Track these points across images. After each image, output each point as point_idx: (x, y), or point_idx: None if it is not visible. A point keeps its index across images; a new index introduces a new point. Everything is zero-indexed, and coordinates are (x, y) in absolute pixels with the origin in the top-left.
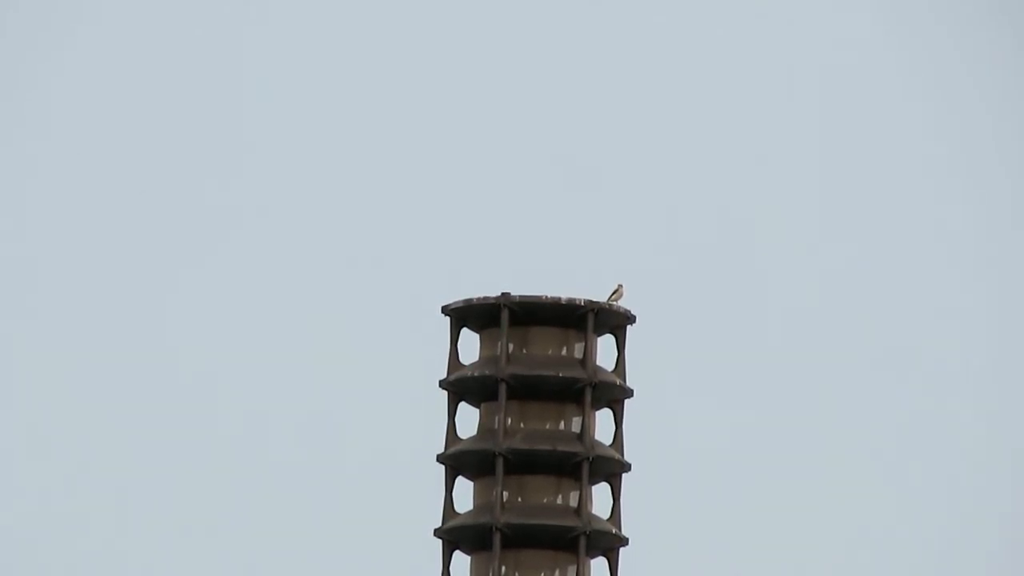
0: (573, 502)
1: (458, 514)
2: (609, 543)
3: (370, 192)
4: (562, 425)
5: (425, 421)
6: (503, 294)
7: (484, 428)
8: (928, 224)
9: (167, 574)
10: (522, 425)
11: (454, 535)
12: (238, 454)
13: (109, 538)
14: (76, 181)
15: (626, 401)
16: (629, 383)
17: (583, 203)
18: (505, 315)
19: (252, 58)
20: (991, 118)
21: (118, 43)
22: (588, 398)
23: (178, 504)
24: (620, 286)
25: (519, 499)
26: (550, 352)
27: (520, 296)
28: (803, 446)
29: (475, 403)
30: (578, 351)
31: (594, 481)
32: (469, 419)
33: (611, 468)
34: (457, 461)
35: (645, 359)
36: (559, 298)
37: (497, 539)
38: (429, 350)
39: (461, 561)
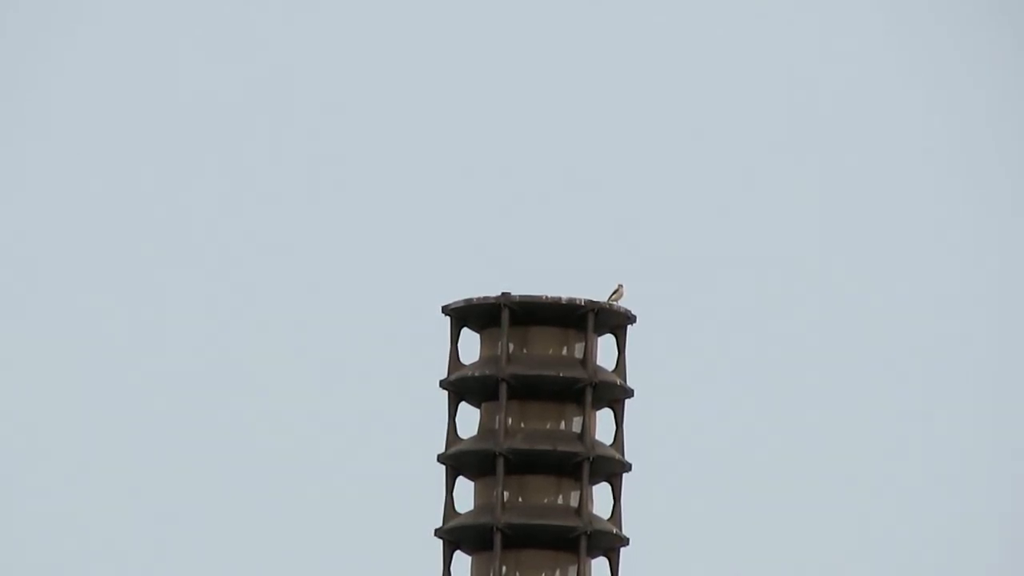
0: (574, 502)
1: (459, 514)
2: (609, 543)
3: (370, 192)
4: (562, 425)
5: (425, 421)
6: (503, 294)
7: (484, 428)
8: (928, 223)
9: (167, 573)
10: (522, 425)
11: (455, 535)
12: (238, 454)
13: (109, 538)
14: (76, 181)
15: (626, 401)
16: (629, 383)
17: (583, 203)
18: (505, 315)
19: (252, 58)
20: (991, 118)
21: (118, 43)
22: (588, 398)
23: (178, 504)
24: (620, 286)
25: (520, 499)
26: (550, 352)
27: (520, 296)
28: (803, 446)
29: (475, 403)
30: (578, 351)
31: (594, 481)
32: (469, 419)
33: (611, 468)
34: (458, 461)
35: (645, 359)
36: (559, 298)
37: (498, 539)
38: (429, 350)
39: (462, 561)
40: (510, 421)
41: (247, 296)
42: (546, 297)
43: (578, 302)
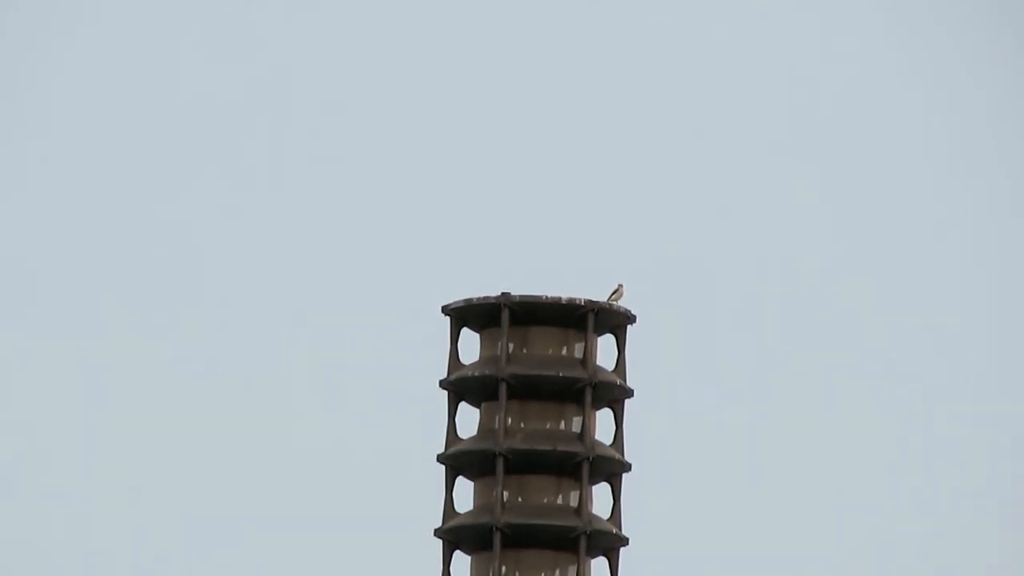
0: (573, 502)
1: (458, 514)
2: (609, 543)
3: (370, 192)
4: (562, 425)
5: (425, 421)
6: (503, 294)
7: (484, 428)
8: (928, 223)
9: (168, 573)
10: (522, 425)
11: (454, 535)
12: (238, 454)
13: (109, 539)
14: (76, 181)
15: (626, 401)
16: (629, 383)
17: (583, 203)
18: (505, 315)
19: (252, 58)
20: (991, 118)
21: (118, 43)
22: (588, 398)
23: (177, 504)
24: (620, 286)
25: (519, 499)
26: (550, 352)
27: (520, 296)
28: (803, 446)
29: (475, 403)
30: (578, 351)
31: (594, 481)
32: (469, 419)
33: (611, 468)
34: (457, 461)
35: (645, 359)
36: (559, 298)
37: (497, 539)
38: (429, 350)
39: (461, 561)
40: (510, 421)
41: (247, 296)
42: (546, 297)
43: (578, 302)
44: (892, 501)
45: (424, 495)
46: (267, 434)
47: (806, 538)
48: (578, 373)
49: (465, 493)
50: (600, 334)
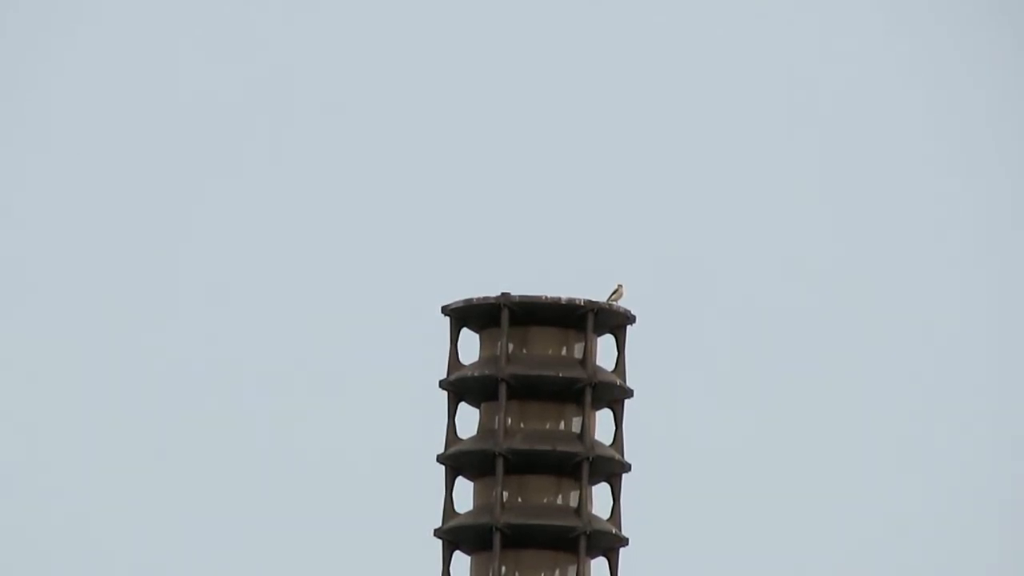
0: (573, 502)
1: (458, 514)
2: (609, 543)
3: (370, 192)
4: (562, 425)
5: (425, 421)
6: (503, 294)
7: (484, 428)
8: (928, 223)
9: (168, 573)
10: (522, 425)
11: (454, 535)
12: (238, 454)
13: (109, 539)
14: (76, 181)
15: (626, 401)
16: (629, 383)
17: (583, 203)
18: (505, 315)
19: (252, 58)
20: (991, 118)
21: (118, 43)
22: (588, 398)
23: (177, 504)
24: (620, 286)
25: (519, 499)
26: (550, 352)
27: (520, 296)
28: (803, 446)
29: (475, 403)
30: (578, 351)
31: (594, 481)
32: (469, 419)
33: (611, 468)
34: (457, 461)
35: (645, 359)
36: (559, 298)
37: (497, 539)
38: (429, 350)
39: (461, 561)
40: (509, 421)
41: (247, 296)
42: (546, 297)
43: (578, 302)
44: (892, 501)
45: (424, 495)
46: (267, 434)
47: (806, 538)
48: (578, 373)
49: (465, 493)
50: (600, 334)
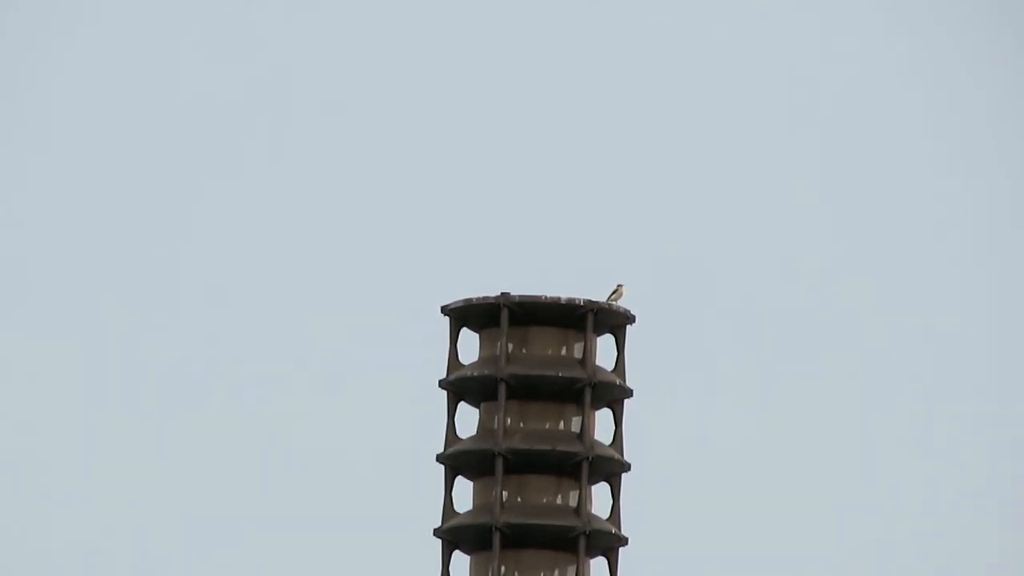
0: (573, 502)
1: (458, 514)
2: (609, 543)
3: (370, 192)
4: (562, 425)
5: (425, 421)
6: (503, 294)
7: (484, 428)
8: (928, 223)
9: (168, 573)
10: (522, 425)
11: (454, 535)
12: (237, 454)
13: (109, 539)
14: (76, 181)
15: (626, 401)
16: (629, 383)
17: (583, 203)
18: (505, 315)
19: (252, 58)
20: (991, 118)
21: (118, 43)
22: (588, 398)
23: (178, 504)
24: (620, 286)
25: (519, 499)
26: (550, 352)
27: (520, 296)
28: (803, 446)
29: (475, 403)
30: (578, 351)
31: (594, 481)
32: (469, 419)
33: (611, 468)
34: (457, 461)
35: (645, 359)
36: (559, 298)
37: (497, 539)
38: (429, 350)
39: (461, 561)
40: (509, 421)
41: (247, 296)
42: (545, 297)
43: (577, 302)
44: (892, 501)
45: (423, 495)
46: (267, 434)
47: (806, 538)
48: (577, 373)
49: (464, 493)
50: (600, 334)
